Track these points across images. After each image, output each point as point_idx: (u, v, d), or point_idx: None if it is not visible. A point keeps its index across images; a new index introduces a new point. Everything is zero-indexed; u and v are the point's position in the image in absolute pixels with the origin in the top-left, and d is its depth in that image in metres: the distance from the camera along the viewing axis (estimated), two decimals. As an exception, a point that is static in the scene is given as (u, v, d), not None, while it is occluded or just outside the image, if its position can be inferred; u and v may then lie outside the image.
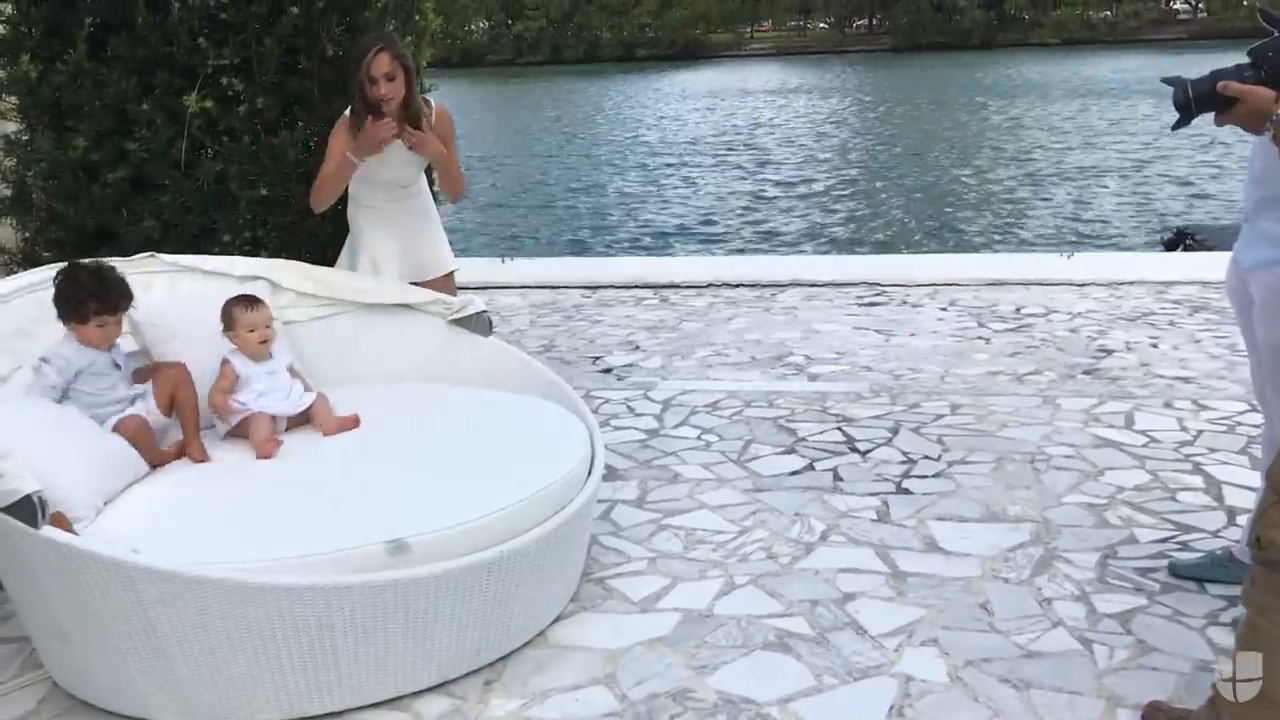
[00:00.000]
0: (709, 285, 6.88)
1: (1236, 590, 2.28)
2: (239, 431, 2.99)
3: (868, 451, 3.99)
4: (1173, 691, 2.45)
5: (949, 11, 69.74)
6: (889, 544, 3.22)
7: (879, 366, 5.05)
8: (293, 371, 3.17)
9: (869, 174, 20.28)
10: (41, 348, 2.86)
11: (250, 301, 3.08)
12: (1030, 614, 2.80)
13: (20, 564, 2.42)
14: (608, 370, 5.17)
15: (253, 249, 3.75)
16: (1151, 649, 2.63)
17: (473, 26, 75.85)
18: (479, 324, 3.53)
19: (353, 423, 3.05)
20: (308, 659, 2.38)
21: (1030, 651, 2.63)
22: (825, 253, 13.23)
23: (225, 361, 3.04)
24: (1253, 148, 2.53)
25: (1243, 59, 2.22)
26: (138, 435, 2.79)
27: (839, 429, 4.23)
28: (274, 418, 3.01)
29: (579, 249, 14.59)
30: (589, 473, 2.90)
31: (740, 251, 13.76)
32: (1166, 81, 2.28)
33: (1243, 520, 3.21)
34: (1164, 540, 3.21)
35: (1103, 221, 14.92)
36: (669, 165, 22.09)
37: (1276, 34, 2.21)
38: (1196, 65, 2.53)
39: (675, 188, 19.34)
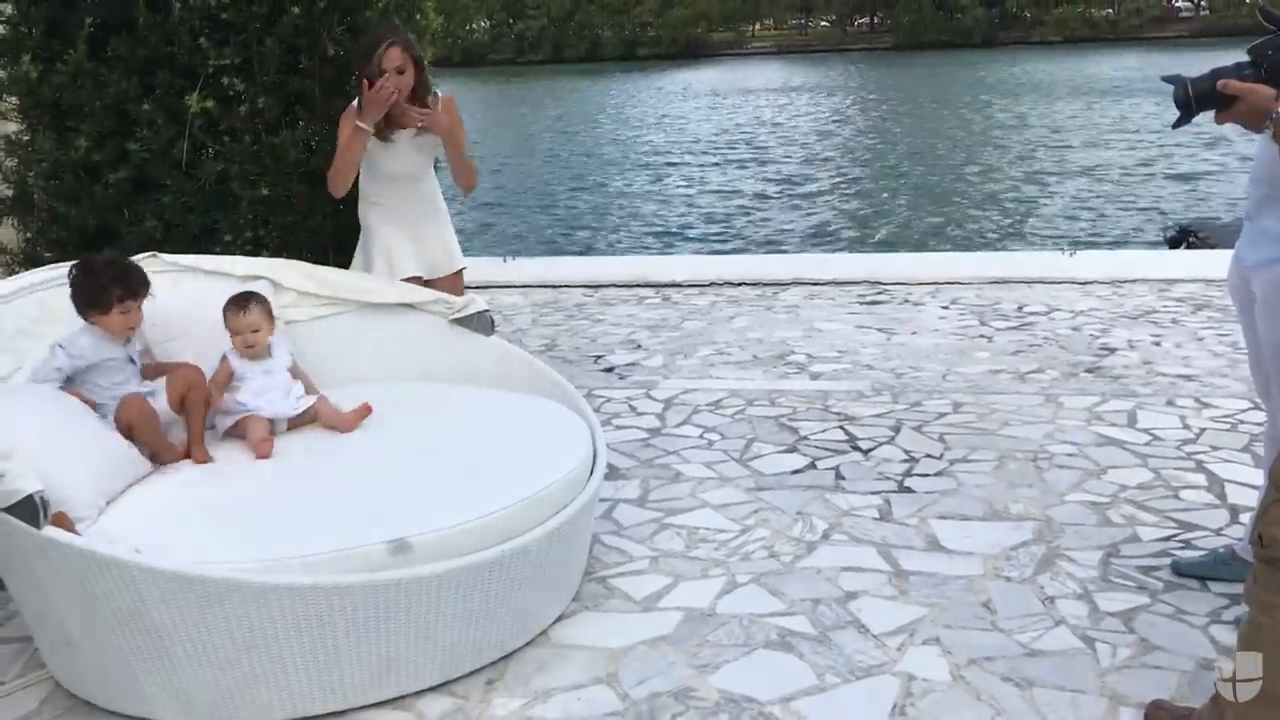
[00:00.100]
0: (711, 284, 6.88)
1: (1239, 588, 2.28)
2: (237, 432, 2.99)
3: (870, 450, 3.98)
4: (1175, 690, 2.45)
5: (950, 10, 69.77)
6: (891, 543, 3.22)
7: (881, 365, 5.05)
8: (295, 373, 3.17)
9: (872, 173, 20.29)
10: (43, 348, 2.86)
11: (240, 305, 3.07)
12: (1032, 612, 2.80)
13: (22, 564, 2.42)
14: (610, 369, 5.17)
15: (254, 249, 3.75)
16: (1154, 647, 2.63)
17: (474, 26, 75.94)
18: (481, 323, 3.53)
19: (365, 410, 3.06)
20: (310, 659, 2.38)
21: (1033, 650, 2.63)
22: (827, 251, 13.23)
23: (224, 358, 3.08)
24: (1257, 146, 2.53)
25: (1244, 57, 2.22)
26: (141, 414, 2.79)
27: (841, 427, 4.23)
28: (272, 420, 3.01)
29: (581, 248, 14.59)
30: (591, 472, 2.90)
31: (743, 251, 13.76)
32: (1167, 80, 2.28)
33: (1245, 518, 3.21)
34: (1166, 538, 3.20)
35: (1105, 219, 14.91)
36: (671, 164, 22.09)
37: (1276, 32, 2.20)
38: (1198, 63, 2.53)
39: (677, 187, 19.34)
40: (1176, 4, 73.30)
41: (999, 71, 44.24)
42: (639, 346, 5.53)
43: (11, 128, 3.90)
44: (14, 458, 2.29)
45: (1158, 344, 5.23)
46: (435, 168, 3.86)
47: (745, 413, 4.43)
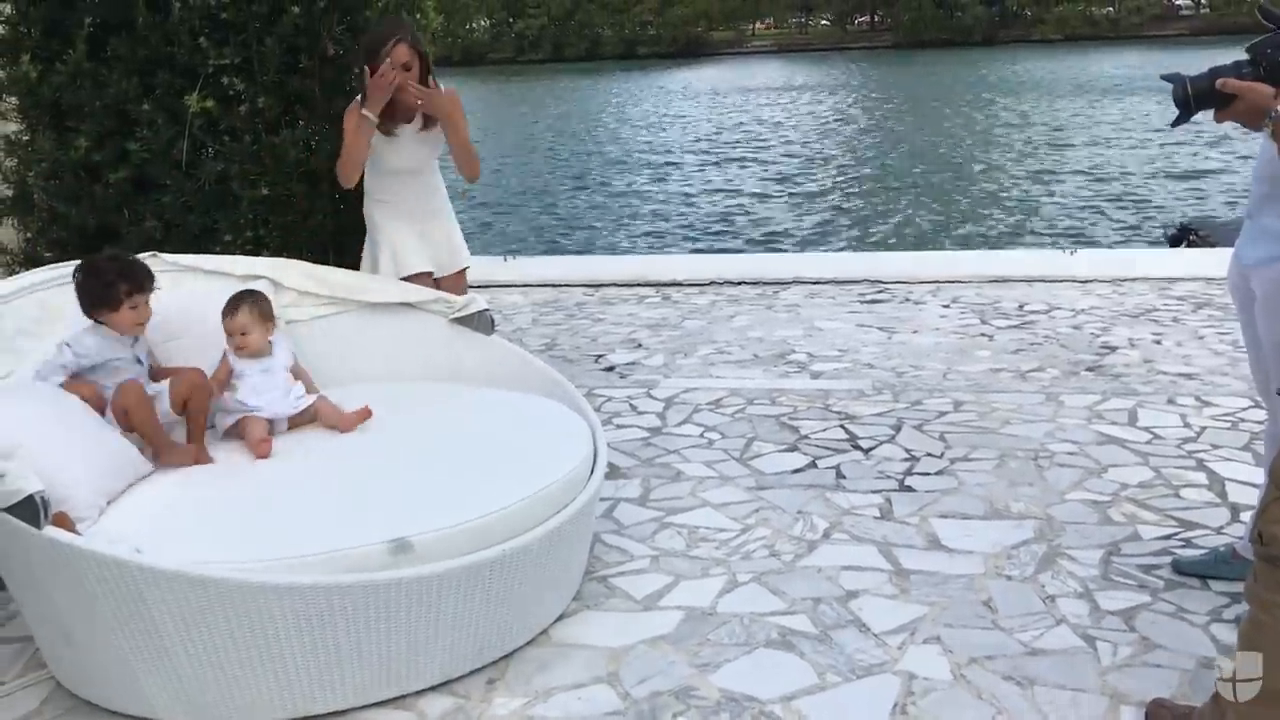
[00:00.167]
0: (711, 283, 6.87)
1: (1240, 587, 2.28)
2: (237, 432, 3.00)
3: (870, 449, 3.98)
4: (1176, 688, 2.45)
5: (951, 8, 69.74)
6: (892, 541, 3.22)
7: (881, 364, 5.05)
8: (297, 372, 3.17)
9: (873, 172, 20.27)
10: (43, 348, 2.86)
11: (231, 307, 3.08)
12: (1033, 611, 2.80)
13: (23, 564, 2.42)
14: (610, 368, 5.17)
15: (254, 248, 3.75)
16: (1155, 646, 2.63)
17: (474, 25, 75.96)
18: (481, 323, 3.53)
19: (365, 414, 3.06)
20: (311, 658, 2.38)
21: (1033, 649, 2.63)
22: (828, 250, 13.22)
23: (224, 355, 3.09)
24: (1260, 144, 2.52)
25: (1243, 55, 2.22)
26: (137, 400, 2.78)
27: (841, 426, 4.23)
28: (271, 420, 3.02)
29: (581, 247, 14.59)
30: (591, 471, 2.90)
31: (743, 250, 13.76)
32: (1166, 78, 2.28)
33: (1246, 516, 3.21)
34: (1167, 537, 3.20)
35: (1106, 218, 14.90)
36: (671, 164, 22.08)
37: (1276, 30, 2.20)
38: (1198, 61, 2.53)
39: (678, 185, 19.34)
40: (1177, 2, 73.30)
41: (1000, 70, 44.23)
42: (639, 346, 5.53)
43: (11, 128, 3.90)
44: (14, 457, 2.29)
45: (1158, 342, 5.23)
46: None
47: (746, 412, 4.43)
